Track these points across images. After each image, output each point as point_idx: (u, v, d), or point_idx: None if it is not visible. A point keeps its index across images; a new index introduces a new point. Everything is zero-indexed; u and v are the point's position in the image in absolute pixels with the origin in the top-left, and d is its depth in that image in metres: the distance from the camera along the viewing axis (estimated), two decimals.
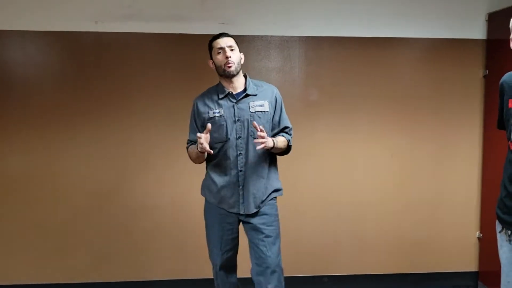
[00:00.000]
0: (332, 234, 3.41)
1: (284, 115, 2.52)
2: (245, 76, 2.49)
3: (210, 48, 2.42)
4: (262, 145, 2.21)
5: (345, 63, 3.31)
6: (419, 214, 3.44)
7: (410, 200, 3.43)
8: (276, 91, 2.50)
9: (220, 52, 2.36)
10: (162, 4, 3.16)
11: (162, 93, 3.23)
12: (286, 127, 2.50)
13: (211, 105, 2.41)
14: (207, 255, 2.56)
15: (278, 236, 2.49)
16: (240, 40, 3.18)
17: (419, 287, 3.49)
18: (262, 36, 3.25)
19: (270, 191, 2.48)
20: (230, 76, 2.38)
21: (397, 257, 3.47)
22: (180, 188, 3.29)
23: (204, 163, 2.52)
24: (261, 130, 2.22)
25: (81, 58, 3.18)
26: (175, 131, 3.16)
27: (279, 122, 2.48)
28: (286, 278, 3.32)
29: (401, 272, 3.47)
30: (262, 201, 2.44)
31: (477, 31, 3.33)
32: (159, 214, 3.30)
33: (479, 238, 3.46)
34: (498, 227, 1.93)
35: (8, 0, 3.07)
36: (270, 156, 2.48)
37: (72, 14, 3.12)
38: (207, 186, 2.50)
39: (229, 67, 2.35)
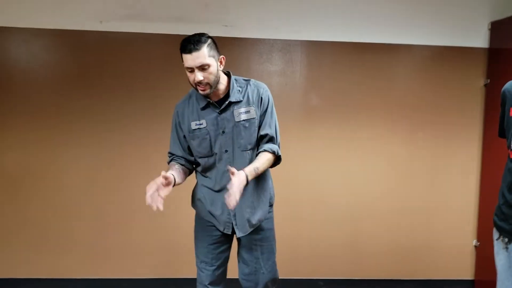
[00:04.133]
0: (329, 239, 3.42)
1: (268, 119, 2.13)
2: (227, 75, 2.14)
3: (181, 54, 1.97)
4: (232, 204, 1.84)
5: (346, 68, 3.33)
6: (416, 221, 3.45)
7: (407, 207, 3.44)
8: (262, 91, 2.13)
9: (190, 71, 1.96)
10: (166, 6, 3.18)
11: (165, 93, 3.23)
12: (267, 135, 2.12)
13: (193, 115, 2.11)
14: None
15: (273, 250, 2.30)
16: (243, 42, 3.22)
17: None
18: (264, 39, 3.26)
19: (267, 206, 2.23)
20: (205, 96, 2.04)
21: (392, 263, 3.47)
22: (179, 190, 3.29)
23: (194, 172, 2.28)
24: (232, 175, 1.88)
25: (85, 57, 3.19)
26: None
27: (259, 127, 2.12)
28: (282, 280, 3.34)
29: (396, 278, 3.48)
30: (258, 219, 2.19)
31: (480, 39, 3.35)
32: (157, 214, 3.30)
33: (475, 246, 3.47)
34: (495, 234, 1.95)
35: None
36: None
37: (77, 13, 3.13)
38: (197, 199, 2.26)
39: (202, 90, 1.99)
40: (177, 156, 2.20)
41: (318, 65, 3.32)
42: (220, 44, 3.15)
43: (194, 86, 2.01)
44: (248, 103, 2.09)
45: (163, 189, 1.92)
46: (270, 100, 2.14)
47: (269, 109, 2.13)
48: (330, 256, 3.43)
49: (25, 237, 3.25)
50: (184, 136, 2.16)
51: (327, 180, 3.39)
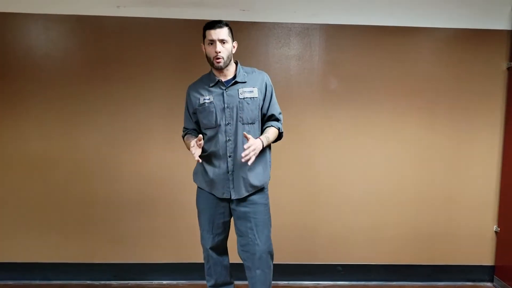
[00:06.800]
0: (349, 225, 3.42)
1: (274, 102, 2.53)
2: (236, 63, 2.50)
3: (204, 34, 2.40)
4: (250, 160, 2.24)
5: (365, 51, 3.29)
6: (436, 206, 3.42)
7: (427, 192, 3.41)
8: (266, 78, 2.50)
9: (211, 44, 2.36)
10: None
11: (183, 78, 3.21)
12: (273, 115, 2.51)
13: (203, 92, 2.45)
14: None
15: (267, 224, 2.51)
16: (261, 26, 3.20)
17: (434, 279, 3.48)
18: (282, 23, 3.24)
19: (262, 179, 2.49)
20: (218, 69, 2.41)
21: (411, 248, 3.46)
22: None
23: None
24: (247, 140, 2.27)
25: (102, 42, 3.21)
26: None
27: (268, 109, 2.50)
28: (301, 265, 3.37)
29: (416, 264, 3.47)
30: (253, 186, 2.45)
31: (503, 21, 3.27)
32: (178, 198, 3.34)
33: (496, 232, 3.43)
34: None
35: None
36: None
37: None
38: (199, 173, 2.54)
39: (218, 62, 2.37)
40: (190, 129, 2.58)
41: (337, 49, 3.28)
42: (237, 29, 3.16)
43: (212, 59, 2.37)
44: (252, 85, 2.45)
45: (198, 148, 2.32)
46: (272, 87, 2.53)
47: (273, 94, 2.53)
48: (349, 242, 3.43)
49: (48, 222, 3.32)
50: (194, 112, 2.49)
51: (346, 165, 3.37)
